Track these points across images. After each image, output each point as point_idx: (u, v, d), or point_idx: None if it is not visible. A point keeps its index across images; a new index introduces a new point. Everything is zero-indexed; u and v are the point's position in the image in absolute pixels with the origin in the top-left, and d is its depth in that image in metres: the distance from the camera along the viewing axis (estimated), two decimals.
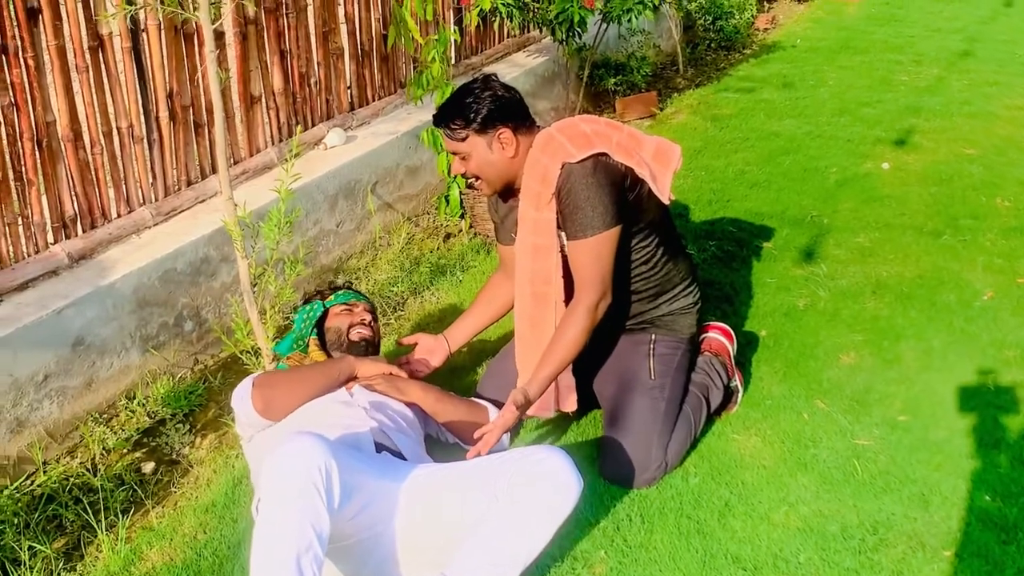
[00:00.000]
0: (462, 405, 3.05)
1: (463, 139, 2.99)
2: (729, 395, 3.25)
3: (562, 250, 3.00)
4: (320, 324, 3.15)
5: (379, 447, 2.65)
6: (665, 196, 3.03)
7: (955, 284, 4.03)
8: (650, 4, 5.38)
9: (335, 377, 2.87)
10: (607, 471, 2.95)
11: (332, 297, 3.18)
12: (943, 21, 8.81)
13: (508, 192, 3.13)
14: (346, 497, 2.27)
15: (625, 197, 2.94)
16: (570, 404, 3.14)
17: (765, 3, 9.32)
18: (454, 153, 3.05)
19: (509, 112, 2.98)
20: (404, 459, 2.69)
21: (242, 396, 2.76)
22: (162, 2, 3.29)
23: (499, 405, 3.11)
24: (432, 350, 3.28)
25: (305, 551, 2.14)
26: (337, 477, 2.24)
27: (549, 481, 2.39)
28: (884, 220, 4.66)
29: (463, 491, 2.48)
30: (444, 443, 3.07)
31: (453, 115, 2.99)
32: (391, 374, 2.96)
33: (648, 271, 3.09)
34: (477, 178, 3.07)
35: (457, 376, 3.52)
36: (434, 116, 3.08)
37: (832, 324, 3.77)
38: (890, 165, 5.33)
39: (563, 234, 2.97)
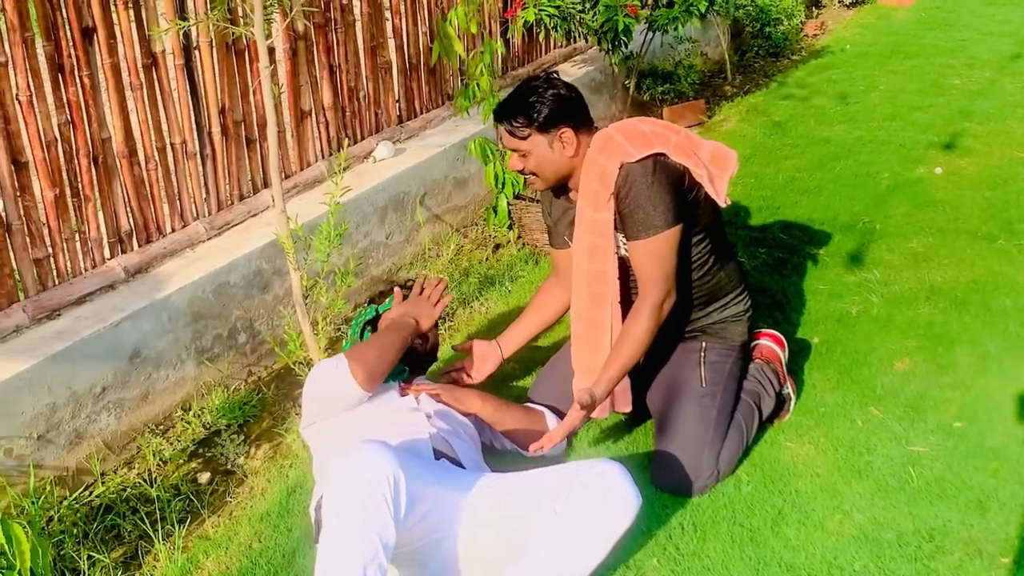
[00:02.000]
0: (519, 412, 3.07)
1: (525, 137, 3.00)
2: (781, 403, 3.23)
3: (619, 252, 3.00)
4: (373, 327, 3.16)
5: (438, 454, 2.67)
6: (722, 199, 3.01)
7: (1010, 288, 3.97)
8: (696, 12, 5.37)
9: (408, 335, 2.97)
10: (659, 479, 2.95)
11: (387, 301, 3.20)
12: (995, 24, 8.69)
13: (561, 189, 3.14)
14: (411, 506, 2.29)
15: (684, 197, 2.94)
16: (625, 405, 3.14)
17: (814, 9, 9.26)
18: (514, 150, 3.05)
19: (571, 111, 2.99)
20: (462, 466, 2.70)
21: (342, 377, 2.77)
22: (214, 20, 3.34)
23: (553, 410, 3.13)
24: (485, 356, 3.30)
25: (371, 561, 2.17)
26: (404, 487, 2.26)
27: (608, 496, 2.41)
28: (937, 225, 4.60)
29: (523, 503, 2.50)
30: (500, 450, 3.08)
31: (515, 113, 2.99)
32: (450, 382, 3.01)
33: (700, 277, 3.08)
34: (533, 174, 3.08)
35: (509, 382, 3.53)
36: (495, 111, 3.08)
37: (886, 330, 3.73)
38: (943, 169, 5.27)
39: (620, 236, 2.98)
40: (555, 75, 3.08)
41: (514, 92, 3.06)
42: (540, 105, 2.96)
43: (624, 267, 3.03)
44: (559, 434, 2.79)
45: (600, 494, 2.41)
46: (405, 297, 3.18)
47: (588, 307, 3.05)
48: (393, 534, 2.22)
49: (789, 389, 3.26)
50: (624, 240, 2.97)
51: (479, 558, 2.50)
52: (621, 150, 2.90)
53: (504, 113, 3.03)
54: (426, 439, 2.70)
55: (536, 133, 2.98)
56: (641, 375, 3.18)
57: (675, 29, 5.45)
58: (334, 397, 2.81)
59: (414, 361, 3.08)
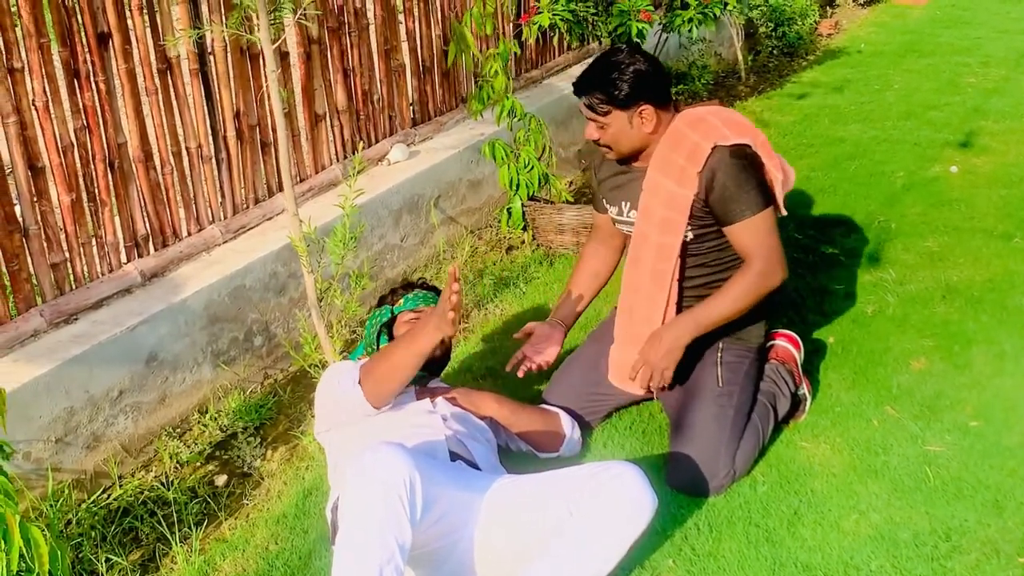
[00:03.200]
0: (535, 414, 3.07)
1: (605, 113, 3.01)
2: (797, 403, 3.22)
3: (685, 235, 3.02)
4: (389, 330, 3.16)
5: (454, 456, 2.68)
6: (782, 208, 3.08)
7: None
8: (711, 15, 5.37)
9: (426, 350, 2.68)
10: (674, 479, 2.94)
11: (402, 302, 3.14)
12: (1010, 22, 8.65)
13: (629, 160, 3.14)
14: (426, 508, 2.30)
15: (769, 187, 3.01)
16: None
17: (828, 8, 9.24)
18: (591, 120, 3.06)
19: (652, 88, 3.00)
20: (478, 468, 2.71)
21: (353, 396, 2.71)
22: (229, 29, 3.35)
23: (567, 411, 3.13)
24: (549, 336, 3.28)
25: (387, 563, 2.17)
26: (420, 489, 2.26)
27: (624, 498, 2.40)
28: (953, 224, 4.59)
29: (539, 504, 2.50)
30: (516, 452, 3.09)
31: (596, 88, 3.00)
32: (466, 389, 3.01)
33: (726, 278, 3.08)
34: (607, 146, 3.09)
35: (525, 385, 3.53)
36: (575, 84, 3.08)
37: (901, 330, 3.72)
38: (958, 168, 5.25)
39: (699, 221, 3.01)
40: (638, 47, 3.07)
41: (595, 64, 3.05)
42: (621, 82, 2.96)
43: (684, 252, 3.04)
44: (666, 364, 2.90)
45: (616, 496, 2.40)
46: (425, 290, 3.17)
47: (648, 281, 3.06)
48: (409, 535, 2.23)
49: (804, 389, 3.25)
50: (695, 223, 3.00)
51: (494, 559, 2.51)
52: (716, 131, 2.94)
53: (585, 87, 3.03)
54: (442, 441, 2.70)
55: (616, 109, 2.99)
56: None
57: (689, 31, 5.45)
58: (347, 410, 2.79)
59: (428, 364, 3.08)
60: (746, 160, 2.94)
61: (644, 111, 2.99)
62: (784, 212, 3.11)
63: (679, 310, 3.08)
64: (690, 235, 3.02)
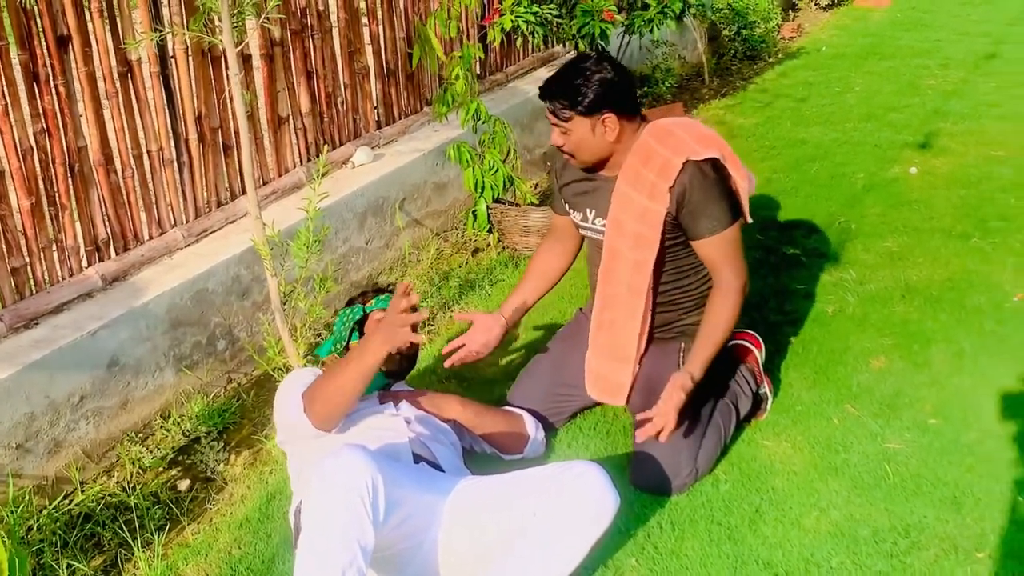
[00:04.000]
0: (499, 416, 3.08)
1: (568, 119, 3.02)
2: (758, 402, 3.25)
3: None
4: (361, 328, 3.15)
5: (417, 458, 2.68)
6: (747, 216, 3.13)
7: (985, 286, 4.01)
8: (671, 13, 5.40)
9: (374, 365, 2.59)
10: (637, 479, 2.96)
11: (373, 301, 3.12)
12: (970, 24, 8.75)
13: (595, 168, 3.15)
14: (389, 511, 2.30)
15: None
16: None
17: (790, 11, 9.31)
18: (556, 125, 3.07)
19: (617, 97, 3.00)
20: (442, 470, 2.71)
21: (300, 420, 2.67)
22: (191, 32, 3.34)
23: (531, 412, 3.14)
24: (490, 327, 3.26)
25: (349, 565, 2.17)
26: (383, 492, 2.26)
27: (586, 498, 2.41)
28: (912, 224, 4.64)
29: (502, 505, 2.50)
30: (480, 453, 3.09)
31: (560, 94, 3.00)
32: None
33: (694, 282, 3.12)
34: (571, 154, 3.10)
35: (489, 387, 3.54)
36: (541, 89, 3.07)
37: (861, 329, 3.76)
38: (918, 169, 5.31)
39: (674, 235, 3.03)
40: (606, 55, 3.09)
41: (562, 70, 3.06)
42: (586, 89, 2.96)
43: (657, 260, 3.05)
44: (671, 416, 2.76)
45: (579, 496, 2.41)
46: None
47: (626, 295, 3.07)
48: (372, 538, 2.23)
49: (766, 388, 3.28)
50: (667, 236, 3.02)
51: (457, 562, 2.51)
52: (685, 146, 2.95)
53: (549, 92, 3.04)
54: (405, 443, 2.70)
55: (579, 116, 3.00)
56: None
57: (651, 31, 5.48)
58: (300, 435, 2.74)
59: (393, 370, 3.07)
60: (716, 175, 2.97)
61: (607, 119, 3.00)
62: (749, 220, 3.14)
63: (653, 318, 3.11)
64: (658, 249, 3.04)
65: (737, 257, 3.01)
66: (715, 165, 2.99)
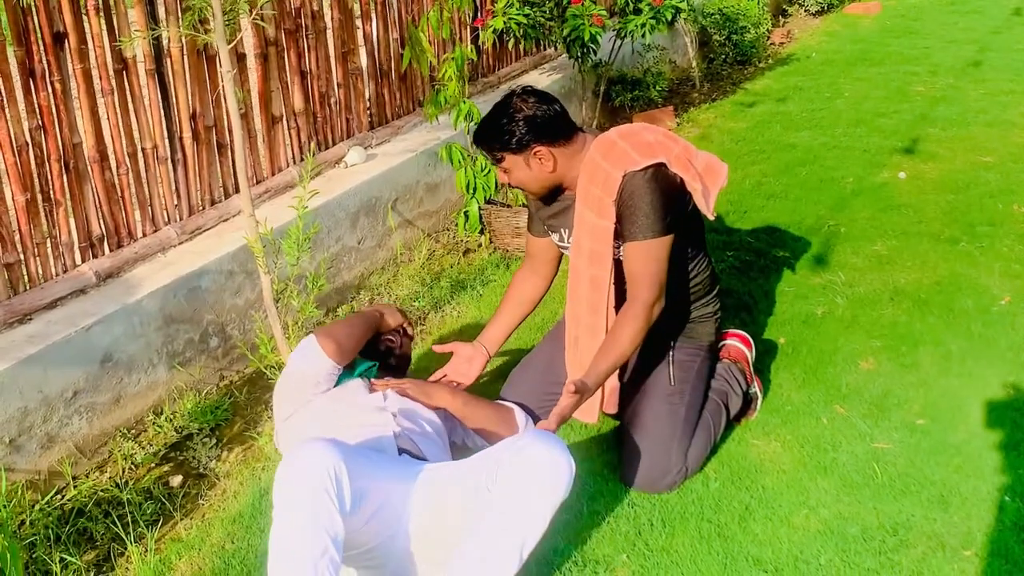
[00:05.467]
0: (490, 408, 3.08)
1: (500, 160, 3.07)
2: (748, 401, 3.28)
3: (615, 256, 3.04)
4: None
5: (402, 452, 2.69)
6: (711, 212, 3.08)
7: (973, 290, 4.05)
8: (664, 19, 5.43)
9: (372, 321, 3.11)
10: (628, 476, 2.98)
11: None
12: (958, 32, 8.82)
13: (556, 193, 3.17)
14: (357, 501, 2.30)
15: (681, 208, 3.01)
16: (612, 406, 3.17)
17: (780, 17, 9.36)
18: (495, 165, 3.12)
19: (544, 130, 3.02)
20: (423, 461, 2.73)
21: (312, 353, 2.89)
22: (185, 30, 3.36)
23: (523, 407, 3.16)
24: (471, 357, 3.31)
25: (321, 556, 2.17)
26: (347, 480, 2.26)
27: (537, 465, 2.36)
28: (901, 228, 4.68)
29: (460, 486, 2.50)
30: (472, 448, 3.09)
31: (489, 138, 3.06)
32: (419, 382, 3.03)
33: (677, 281, 3.12)
34: (521, 188, 3.13)
35: (482, 385, 3.55)
36: (474, 136, 3.13)
37: (850, 331, 3.79)
38: (907, 174, 5.35)
39: (617, 243, 3.01)
40: (529, 92, 3.09)
41: (489, 114, 3.10)
42: (511, 127, 3.00)
43: (620, 274, 3.06)
44: (554, 421, 2.76)
45: (531, 464, 2.36)
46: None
47: (586, 312, 3.09)
48: (341, 528, 2.22)
49: (756, 388, 3.31)
50: (619, 244, 3.01)
51: (431, 548, 2.50)
52: (626, 158, 2.95)
53: (479, 137, 3.09)
54: (390, 437, 2.71)
55: (510, 155, 3.04)
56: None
57: (643, 36, 5.51)
58: (305, 372, 2.87)
59: (384, 360, 3.11)
60: (652, 183, 2.92)
61: (538, 152, 3.02)
62: (712, 216, 3.12)
63: None
64: (622, 257, 3.05)
65: (654, 273, 2.95)
66: (655, 173, 2.94)
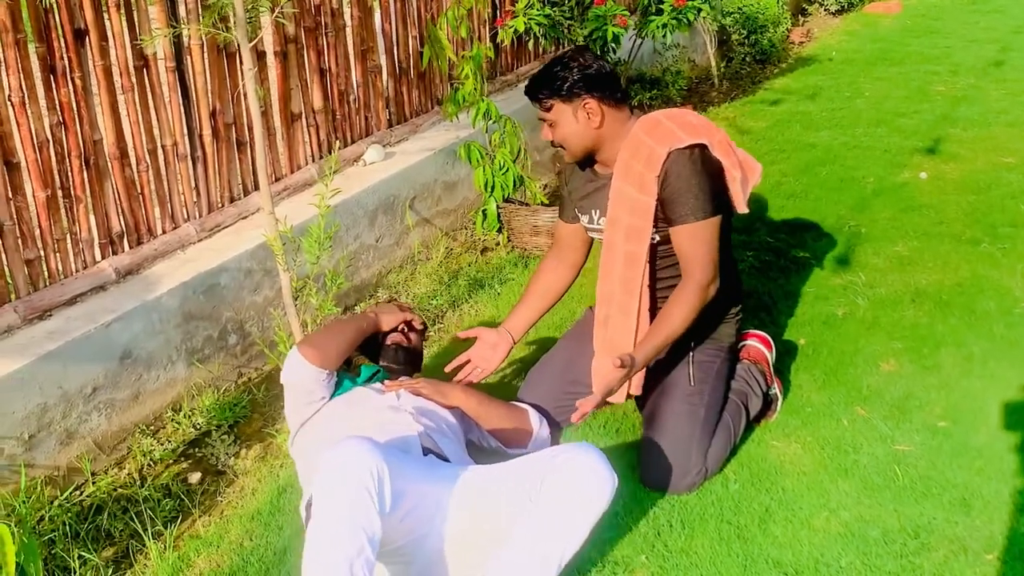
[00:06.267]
0: (503, 408, 3.08)
1: (549, 108, 3.06)
2: (768, 403, 3.26)
3: (652, 238, 3.03)
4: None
5: (425, 451, 2.68)
6: (743, 206, 3.08)
7: (995, 291, 4.02)
8: (685, 20, 5.41)
9: (363, 326, 3.03)
10: (647, 476, 2.97)
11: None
12: (979, 32, 8.77)
13: (587, 161, 3.18)
14: (396, 501, 2.30)
15: (723, 191, 3.02)
16: (638, 387, 3.15)
17: (800, 17, 9.32)
18: (542, 119, 3.11)
19: (596, 83, 3.02)
20: (448, 462, 2.72)
21: (294, 362, 2.87)
22: (205, 28, 3.36)
23: (538, 409, 3.15)
24: (495, 344, 3.29)
25: (357, 555, 2.17)
26: (388, 481, 2.27)
27: (582, 478, 2.39)
28: (922, 229, 4.65)
29: (501, 493, 2.50)
30: (485, 448, 3.09)
31: (541, 85, 3.06)
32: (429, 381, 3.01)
33: None
34: (562, 146, 3.13)
35: (498, 385, 3.55)
36: (526, 86, 3.13)
37: (871, 332, 3.77)
38: (927, 174, 5.32)
39: (657, 227, 3.01)
40: (587, 48, 3.13)
41: (544, 65, 3.12)
42: (564, 74, 3.01)
43: (654, 255, 3.05)
44: (598, 395, 2.79)
45: (575, 476, 2.39)
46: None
47: (619, 290, 3.07)
48: (379, 528, 2.23)
49: (776, 389, 3.29)
50: (661, 226, 3.01)
51: (462, 550, 2.50)
52: (671, 136, 2.95)
53: (532, 85, 3.10)
54: (414, 436, 2.71)
55: (559, 103, 3.04)
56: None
57: (664, 36, 5.49)
58: (295, 385, 2.87)
59: (396, 359, 3.08)
60: (699, 164, 2.94)
61: (588, 104, 3.02)
62: (745, 209, 3.10)
63: (653, 315, 3.09)
64: (657, 238, 3.04)
65: (708, 253, 2.97)
66: (701, 154, 2.96)
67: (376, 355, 3.13)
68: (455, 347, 3.84)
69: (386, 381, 2.99)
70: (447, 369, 3.31)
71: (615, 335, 3.11)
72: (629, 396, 3.16)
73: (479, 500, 2.51)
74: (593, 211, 3.21)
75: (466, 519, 2.50)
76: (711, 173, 2.98)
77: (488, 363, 3.28)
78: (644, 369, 3.09)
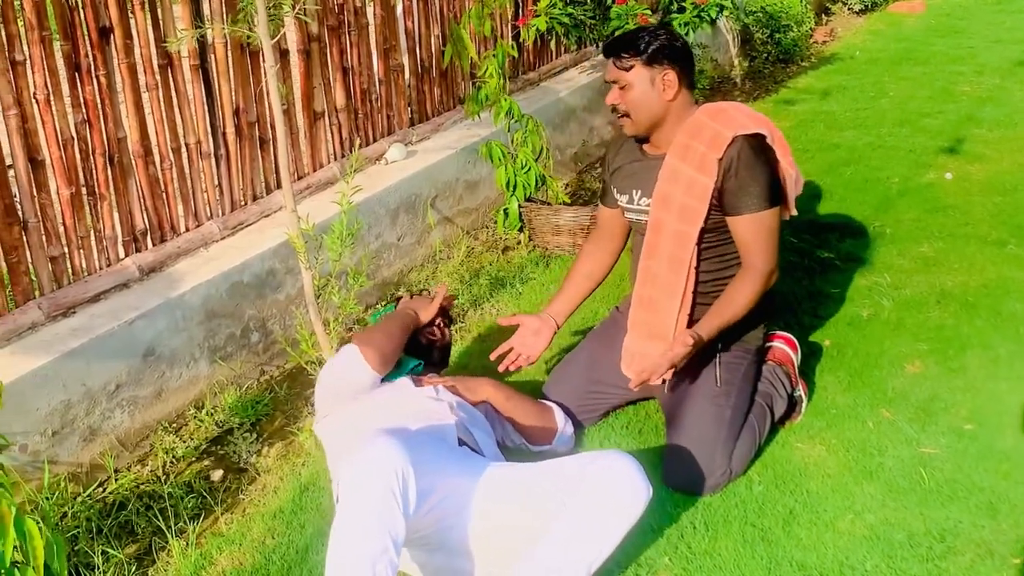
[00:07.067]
0: (531, 405, 3.08)
1: (629, 68, 3.04)
2: (793, 404, 3.24)
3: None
4: None
5: (460, 443, 2.70)
6: (792, 207, 3.11)
7: (1020, 293, 3.98)
8: (707, 18, 5.39)
9: (408, 322, 3.07)
10: (671, 478, 2.95)
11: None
12: (1004, 32, 8.69)
13: (641, 139, 3.16)
14: (421, 500, 2.31)
15: (780, 183, 3.03)
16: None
17: (823, 16, 9.27)
18: (614, 81, 3.08)
19: (679, 56, 3.04)
20: (481, 454, 2.73)
21: (355, 362, 2.87)
22: (230, 28, 3.36)
23: (564, 409, 3.14)
24: (538, 329, 3.28)
25: (380, 555, 2.18)
26: (414, 483, 2.27)
27: (617, 486, 2.40)
28: (948, 230, 4.61)
29: (534, 492, 2.50)
30: (509, 446, 3.10)
31: (625, 45, 3.04)
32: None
33: (729, 277, 3.08)
34: (626, 115, 3.10)
35: (523, 386, 3.53)
36: (605, 45, 3.12)
37: (896, 334, 3.74)
38: (953, 175, 5.28)
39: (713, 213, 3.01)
40: (671, 24, 3.13)
41: (630, 31, 3.13)
42: (650, 39, 3.01)
43: (700, 238, 3.04)
44: (664, 366, 2.83)
45: (610, 484, 2.40)
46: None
47: (667, 269, 3.05)
48: (403, 530, 2.24)
49: (801, 391, 3.26)
50: (713, 214, 3.01)
51: (487, 545, 2.51)
52: (737, 121, 2.97)
53: (616, 44, 3.08)
54: (451, 426, 2.72)
55: (640, 66, 3.02)
56: None
57: (686, 34, 5.47)
58: (347, 383, 2.87)
59: (427, 355, 3.11)
60: (763, 153, 2.96)
61: (667, 75, 3.02)
62: (794, 212, 3.12)
63: (695, 299, 3.08)
64: (706, 223, 3.02)
65: (770, 242, 2.99)
66: (764, 144, 2.98)
67: (411, 349, 3.13)
68: (476, 346, 3.84)
69: (415, 377, 3.00)
70: (492, 357, 3.30)
71: (658, 316, 3.08)
72: (647, 395, 3.15)
73: (510, 497, 2.52)
74: (634, 191, 3.18)
75: (495, 515, 2.50)
76: (772, 163, 3.00)
77: (532, 349, 3.26)
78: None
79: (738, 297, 2.96)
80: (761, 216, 2.96)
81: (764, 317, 3.19)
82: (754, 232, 2.97)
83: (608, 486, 2.40)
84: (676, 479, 2.94)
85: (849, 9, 9.57)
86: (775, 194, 2.99)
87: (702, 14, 5.37)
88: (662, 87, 3.03)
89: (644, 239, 3.11)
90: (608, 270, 3.41)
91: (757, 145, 2.95)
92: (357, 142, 4.42)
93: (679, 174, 3.01)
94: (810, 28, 8.32)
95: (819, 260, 4.35)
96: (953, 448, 3.08)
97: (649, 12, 5.21)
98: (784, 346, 3.30)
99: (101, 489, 3.13)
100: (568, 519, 2.39)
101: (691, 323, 3.09)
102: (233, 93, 3.79)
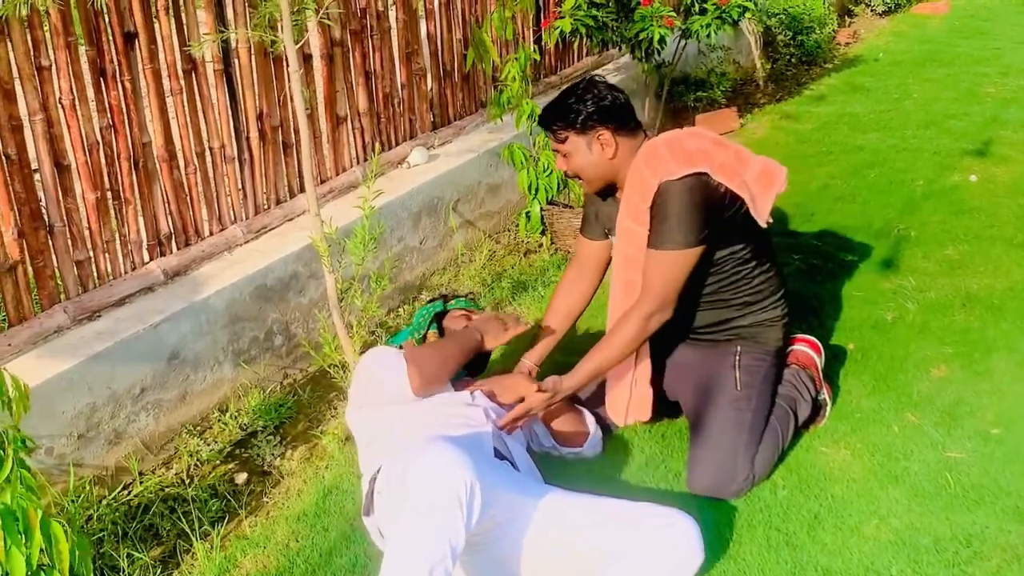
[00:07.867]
0: (564, 407, 3.10)
1: (563, 140, 3.06)
2: (817, 408, 3.22)
3: None
4: (439, 321, 3.24)
5: (496, 452, 2.71)
6: (763, 219, 3.01)
7: None
8: (729, 19, 5.38)
9: (471, 348, 3.00)
10: (694, 482, 2.94)
11: (454, 301, 3.29)
12: None
13: (609, 190, 3.16)
14: (481, 512, 2.31)
15: (717, 219, 2.94)
16: (643, 414, 3.16)
17: (846, 17, 9.23)
18: (556, 151, 3.11)
19: (609, 114, 3.02)
20: (515, 464, 2.74)
21: (399, 375, 2.85)
22: (250, 27, 3.37)
23: (592, 412, 3.14)
24: (513, 387, 3.12)
25: (439, 563, 2.19)
26: (479, 494, 2.28)
27: (675, 549, 2.44)
28: (973, 232, 4.58)
29: (591, 534, 2.51)
30: (537, 450, 3.11)
31: (555, 117, 3.06)
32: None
33: (736, 283, 3.08)
34: (578, 177, 3.12)
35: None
36: (539, 116, 3.15)
37: (921, 337, 3.72)
38: (978, 177, 5.24)
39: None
40: (598, 78, 3.13)
41: (557, 97, 3.12)
42: (579, 106, 3.00)
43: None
44: (515, 415, 2.87)
45: (667, 545, 2.44)
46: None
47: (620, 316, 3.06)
48: (463, 540, 2.25)
49: (825, 395, 3.25)
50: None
51: (526, 568, 2.52)
52: (664, 166, 2.92)
53: (545, 117, 3.11)
54: (488, 434, 2.73)
55: (574, 135, 3.03)
56: (675, 376, 3.19)
57: (708, 36, 5.46)
58: (387, 391, 2.87)
59: (468, 366, 3.10)
60: (688, 195, 2.88)
61: (602, 136, 3.02)
62: (769, 220, 3.02)
63: (694, 318, 3.11)
64: None
65: (662, 284, 2.92)
66: (692, 185, 2.89)
67: None
68: (496, 349, 3.83)
69: (455, 382, 3.01)
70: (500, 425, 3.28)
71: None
72: (626, 421, 3.21)
73: (569, 535, 2.52)
74: (610, 233, 3.23)
75: (543, 540, 2.51)
76: (700, 203, 2.90)
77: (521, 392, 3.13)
78: (649, 394, 3.13)
79: (612, 343, 2.95)
80: (661, 255, 2.92)
81: (779, 317, 3.17)
82: (651, 269, 2.94)
83: (665, 547, 2.44)
84: (700, 483, 2.93)
85: (872, 11, 9.53)
86: (691, 237, 2.89)
87: (724, 15, 5.36)
88: (600, 148, 3.03)
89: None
90: (589, 299, 3.38)
91: (682, 187, 2.88)
92: (380, 146, 4.42)
93: (623, 225, 3.05)
94: (833, 30, 8.29)
95: (843, 262, 4.33)
96: (979, 452, 3.06)
97: (674, 14, 5.21)
98: (807, 349, 3.29)
99: (126, 492, 3.14)
100: (620, 567, 2.42)
101: (698, 333, 3.14)
102: (257, 98, 3.80)
